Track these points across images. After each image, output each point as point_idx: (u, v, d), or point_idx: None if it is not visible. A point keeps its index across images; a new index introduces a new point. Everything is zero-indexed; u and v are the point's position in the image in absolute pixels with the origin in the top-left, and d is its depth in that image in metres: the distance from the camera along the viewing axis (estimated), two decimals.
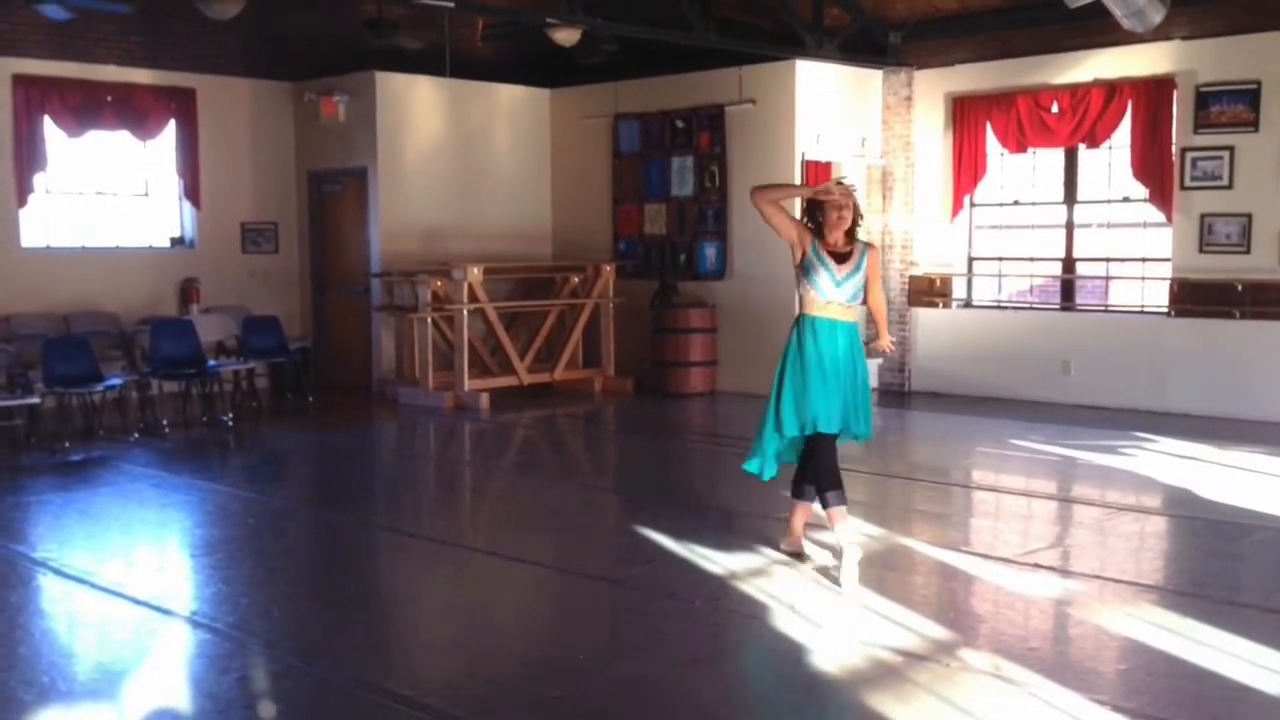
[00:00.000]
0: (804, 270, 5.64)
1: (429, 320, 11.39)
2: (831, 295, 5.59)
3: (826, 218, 5.61)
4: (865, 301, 5.81)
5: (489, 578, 5.95)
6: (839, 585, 5.39)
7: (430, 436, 10.43)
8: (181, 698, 4.32)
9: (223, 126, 12.27)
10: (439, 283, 11.38)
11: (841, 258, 5.61)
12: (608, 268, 12.40)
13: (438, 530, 7.05)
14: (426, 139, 12.46)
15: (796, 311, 5.82)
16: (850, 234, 5.66)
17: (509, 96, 13.20)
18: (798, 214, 5.88)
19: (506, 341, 11.75)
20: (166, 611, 5.23)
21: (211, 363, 10.69)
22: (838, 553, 5.63)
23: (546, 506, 7.55)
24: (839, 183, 5.83)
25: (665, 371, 12.02)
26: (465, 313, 11.24)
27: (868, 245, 5.77)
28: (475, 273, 11.29)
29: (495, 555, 6.26)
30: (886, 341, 6.07)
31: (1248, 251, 10.10)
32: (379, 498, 8.21)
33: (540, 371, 12.09)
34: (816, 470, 5.70)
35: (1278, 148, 9.90)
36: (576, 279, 12.46)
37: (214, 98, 12.15)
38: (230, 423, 10.34)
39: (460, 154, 12.70)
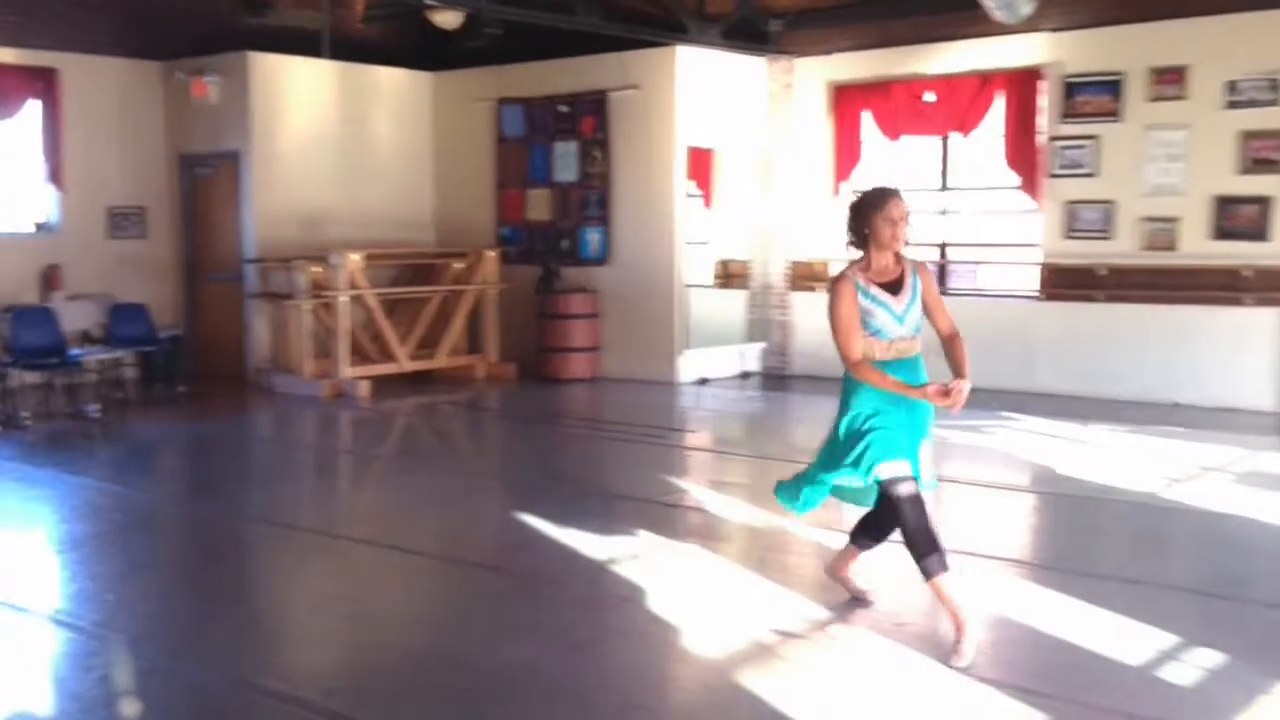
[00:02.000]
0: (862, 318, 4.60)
1: (306, 307, 11.17)
2: (896, 333, 4.63)
3: (877, 234, 4.67)
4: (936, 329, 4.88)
5: (368, 568, 5.86)
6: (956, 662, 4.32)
7: (307, 425, 10.24)
8: (43, 699, 4.18)
9: (88, 107, 11.83)
10: (317, 269, 11.17)
11: (893, 287, 4.67)
12: (491, 253, 12.30)
13: (315, 521, 6.93)
14: (303, 122, 12.19)
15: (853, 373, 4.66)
16: (898, 253, 4.75)
17: (390, 79, 12.99)
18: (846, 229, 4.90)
19: (387, 328, 11.59)
20: (26, 610, 5.04)
21: (75, 352, 10.33)
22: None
23: (427, 495, 7.47)
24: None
25: (549, 357, 11.99)
26: (344, 300, 11.05)
27: (916, 264, 4.83)
28: (355, 259, 11.10)
29: (374, 545, 6.17)
30: (964, 387, 4.63)
31: (1110, 237, 10.47)
32: (253, 489, 8.03)
33: (422, 358, 11.95)
34: (905, 532, 4.51)
35: (1139, 137, 10.28)
36: (459, 265, 12.34)
37: (79, 77, 11.71)
38: (96, 414, 10.00)
39: (339, 138, 12.47)
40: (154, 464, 8.91)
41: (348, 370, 11.10)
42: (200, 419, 10.27)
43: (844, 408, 4.65)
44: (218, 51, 11.83)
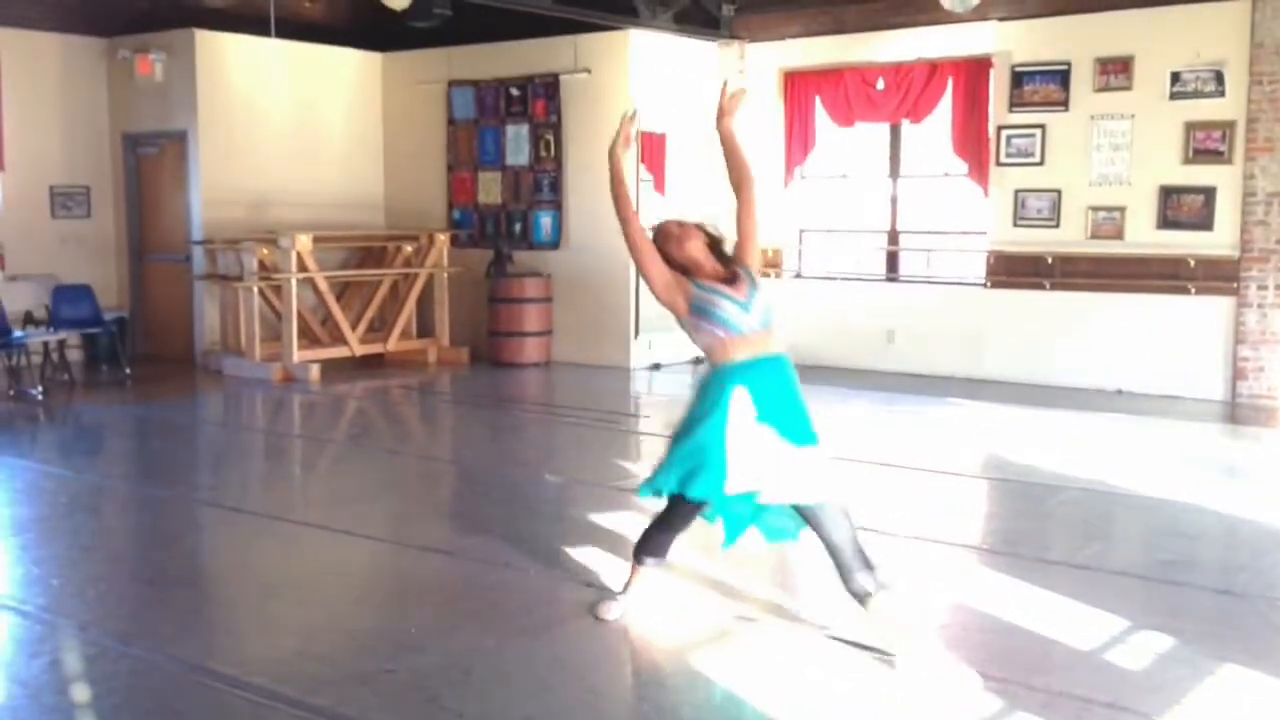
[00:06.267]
0: (699, 314, 4.34)
1: (255, 290, 11.03)
2: (746, 324, 4.32)
3: (668, 250, 4.48)
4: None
5: (319, 552, 5.81)
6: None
7: (257, 409, 10.13)
8: None
9: (30, 84, 11.60)
10: (266, 251, 11.03)
11: (729, 280, 4.42)
12: (442, 237, 12.22)
13: (265, 504, 6.85)
14: (251, 102, 12.02)
15: (704, 372, 4.52)
16: (719, 256, 4.51)
17: (339, 59, 12.83)
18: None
19: (337, 312, 11.48)
20: None
21: (18, 334, 10.14)
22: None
23: (379, 479, 7.42)
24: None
25: (500, 342, 11.94)
26: (294, 282, 10.93)
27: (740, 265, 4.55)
28: (304, 241, 10.97)
29: (326, 529, 6.12)
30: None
31: (1057, 225, 10.60)
32: (202, 472, 7.93)
33: (373, 342, 11.86)
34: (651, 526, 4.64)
35: (1085, 127, 10.40)
36: (410, 248, 12.24)
37: (20, 55, 11.48)
38: (40, 396, 9.83)
39: (287, 118, 12.30)
40: (100, 447, 8.77)
41: (297, 353, 10.99)
42: (147, 402, 10.11)
43: (701, 402, 4.40)
44: (163, 28, 11.63)
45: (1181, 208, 10.03)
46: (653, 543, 4.65)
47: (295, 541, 5.99)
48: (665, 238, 4.55)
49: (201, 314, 11.81)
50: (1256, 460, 7.99)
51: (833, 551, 4.28)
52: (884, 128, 11.72)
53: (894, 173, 11.79)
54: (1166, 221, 10.10)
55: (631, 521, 6.15)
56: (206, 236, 11.59)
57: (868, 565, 4.26)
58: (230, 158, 11.81)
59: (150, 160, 12.16)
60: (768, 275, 12.15)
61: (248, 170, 11.92)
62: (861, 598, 4.26)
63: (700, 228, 4.59)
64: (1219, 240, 9.90)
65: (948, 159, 11.27)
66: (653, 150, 12.09)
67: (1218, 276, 9.91)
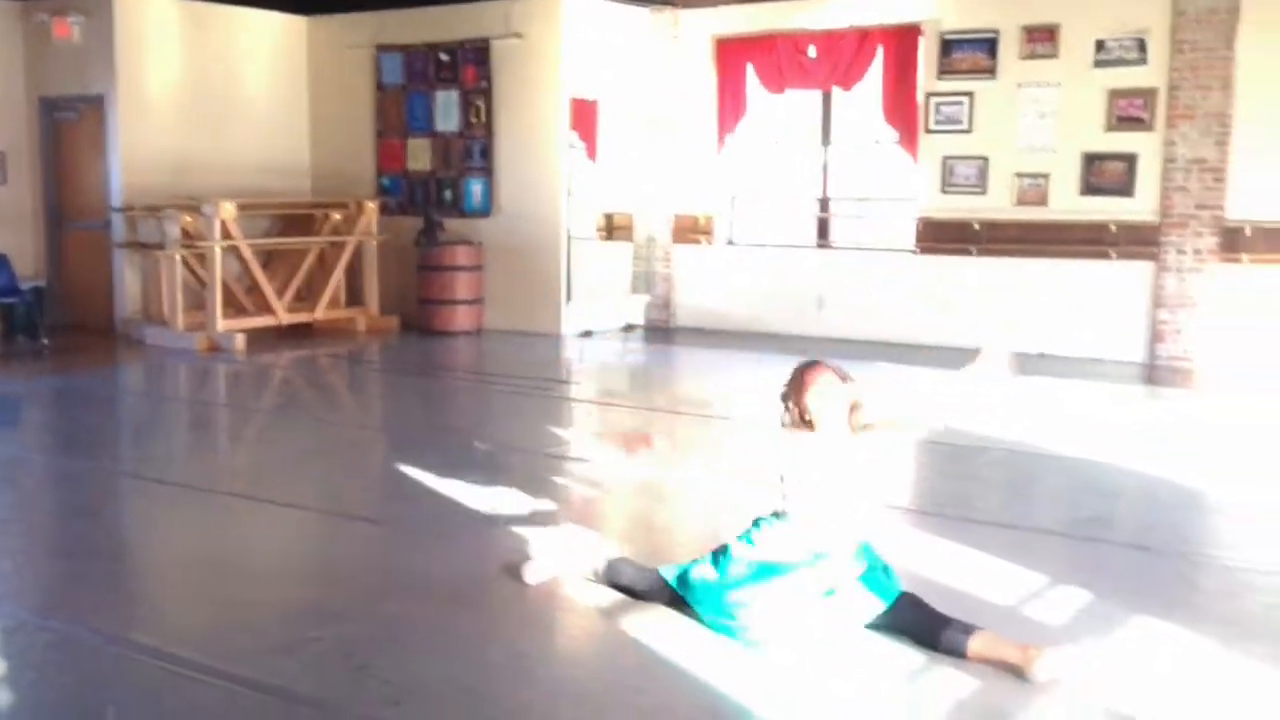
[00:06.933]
0: None
1: (178, 258, 10.81)
2: None
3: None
4: None
5: (245, 522, 5.73)
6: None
7: (180, 379, 9.95)
8: None
9: None
10: (189, 219, 10.81)
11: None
12: (370, 204, 12.06)
13: (189, 475, 6.74)
14: (173, 65, 11.75)
15: None
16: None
17: (263, 22, 12.57)
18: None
19: (263, 280, 11.30)
20: None
21: None
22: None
23: (306, 448, 7.33)
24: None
25: (431, 310, 11.83)
26: (218, 250, 10.72)
27: None
28: (228, 208, 10.77)
29: (251, 499, 6.03)
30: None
31: (984, 192, 10.72)
32: (124, 444, 7.78)
33: (300, 311, 11.70)
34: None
35: (1012, 94, 10.51)
36: (338, 215, 12.06)
37: None
38: None
39: (211, 82, 12.04)
40: (16, 419, 8.56)
41: (222, 323, 10.80)
42: (66, 372, 9.89)
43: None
44: None
45: (1104, 174, 10.19)
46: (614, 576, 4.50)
47: (220, 512, 5.89)
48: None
49: (122, 282, 11.56)
50: (1172, 420, 8.17)
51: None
52: (815, 95, 11.75)
53: (825, 140, 11.84)
54: (1089, 188, 10.26)
55: (562, 488, 6.15)
56: (127, 203, 11.33)
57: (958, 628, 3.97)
58: (151, 122, 11.54)
59: (68, 125, 11.84)
60: (696, 242, 12.19)
61: (169, 135, 11.65)
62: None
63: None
64: (1140, 206, 10.08)
65: (878, 126, 11.34)
66: (584, 117, 12.03)
67: (1138, 241, 10.10)
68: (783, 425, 4.28)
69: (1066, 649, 3.75)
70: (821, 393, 4.20)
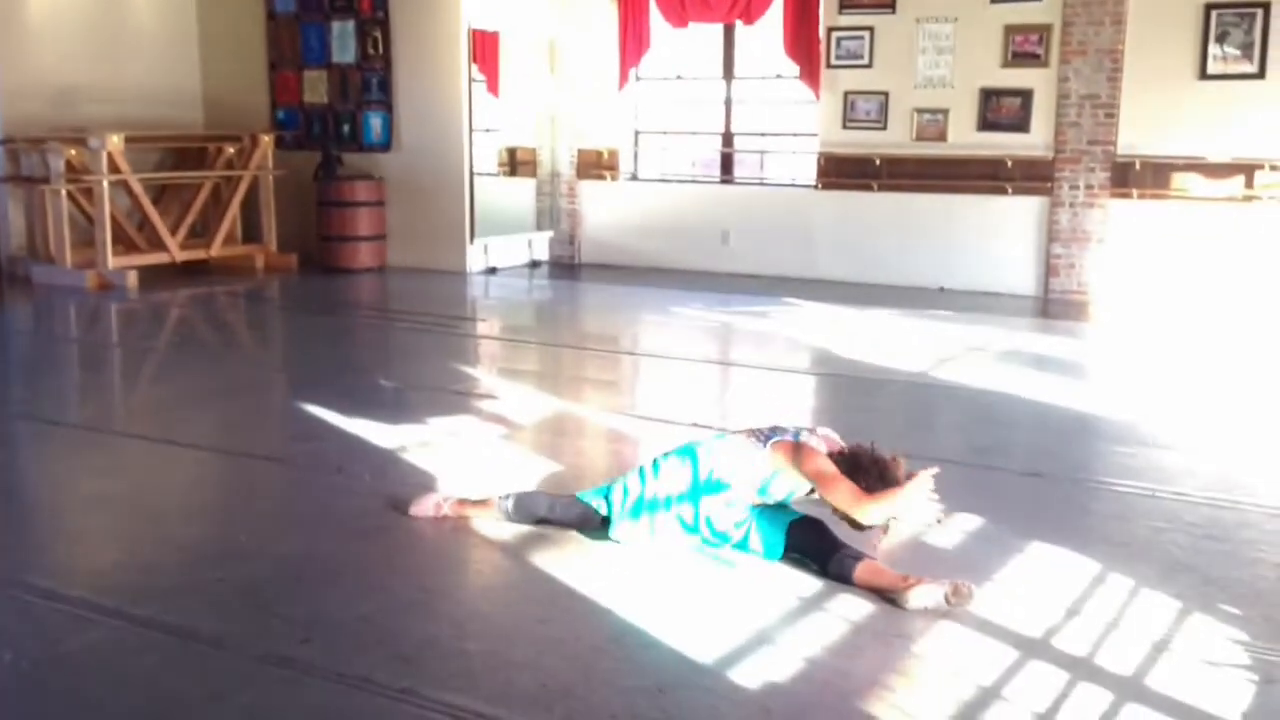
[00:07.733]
0: None
1: (63, 193, 10.43)
2: None
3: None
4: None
5: (142, 463, 5.61)
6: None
7: (70, 318, 9.65)
8: None
9: None
10: (74, 151, 10.42)
11: None
12: (266, 138, 11.75)
13: (83, 416, 6.58)
14: None
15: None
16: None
17: None
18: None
19: (155, 216, 10.97)
20: None
21: None
22: None
23: (205, 388, 7.18)
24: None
25: (332, 247, 11.62)
26: (105, 185, 10.37)
27: None
28: (115, 141, 10.40)
29: (148, 440, 5.91)
30: None
31: (884, 128, 10.82)
32: (13, 385, 7.52)
33: (195, 248, 11.40)
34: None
35: (911, 30, 10.59)
36: (232, 149, 11.74)
37: None
38: None
39: (92, 6, 11.55)
40: None
41: (113, 260, 10.48)
42: None
43: None
44: None
45: (1000, 110, 10.36)
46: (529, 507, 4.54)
47: (117, 453, 5.77)
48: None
49: (4, 219, 11.12)
50: (1066, 352, 8.41)
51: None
52: (718, 29, 11.70)
53: (728, 75, 11.82)
54: (986, 123, 10.42)
55: (466, 424, 6.13)
56: (8, 135, 10.86)
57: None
58: (31, 49, 11.04)
59: None
60: (601, 178, 12.13)
61: (50, 62, 11.17)
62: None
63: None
64: (1035, 141, 10.28)
65: (780, 61, 11.35)
66: (486, 49, 11.83)
67: (1033, 177, 10.30)
68: (823, 469, 4.07)
69: (943, 583, 3.85)
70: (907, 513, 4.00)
